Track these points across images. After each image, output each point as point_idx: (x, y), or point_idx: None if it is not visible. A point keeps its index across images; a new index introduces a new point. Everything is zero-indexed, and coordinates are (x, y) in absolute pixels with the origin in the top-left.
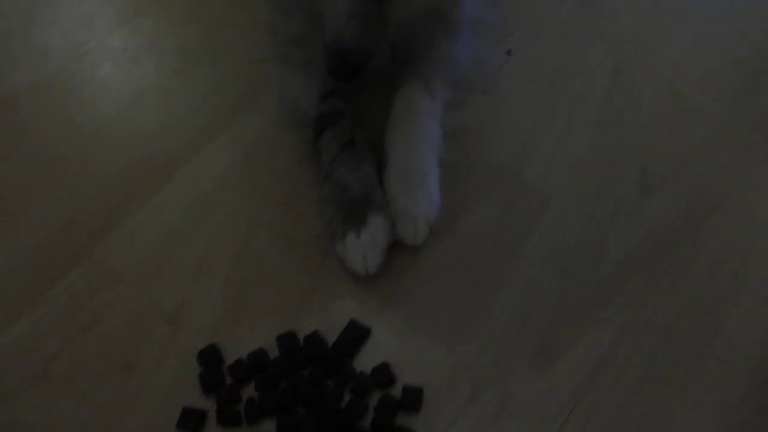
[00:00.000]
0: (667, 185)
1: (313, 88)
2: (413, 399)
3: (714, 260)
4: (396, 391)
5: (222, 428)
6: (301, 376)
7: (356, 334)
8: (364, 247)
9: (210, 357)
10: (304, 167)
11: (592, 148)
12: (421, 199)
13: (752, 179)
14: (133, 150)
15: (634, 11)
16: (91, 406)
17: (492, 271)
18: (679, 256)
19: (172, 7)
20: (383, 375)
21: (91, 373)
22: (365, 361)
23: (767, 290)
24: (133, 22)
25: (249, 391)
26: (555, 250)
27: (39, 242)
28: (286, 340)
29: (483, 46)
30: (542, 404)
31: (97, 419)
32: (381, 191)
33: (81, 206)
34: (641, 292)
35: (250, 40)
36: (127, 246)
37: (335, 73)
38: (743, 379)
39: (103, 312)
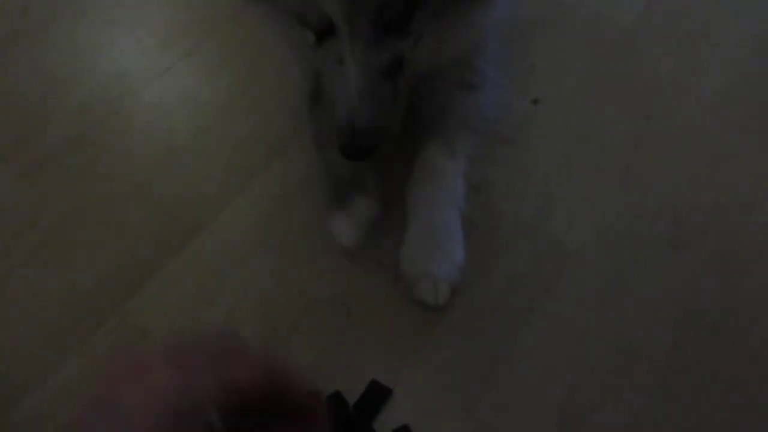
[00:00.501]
0: (700, 240)
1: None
2: None
3: (752, 320)
4: None
5: None
6: None
7: (378, 395)
8: (349, 225)
9: None
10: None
11: (619, 200)
12: (443, 260)
13: None
14: (165, 204)
15: (664, 54)
16: None
17: (515, 332)
18: (713, 318)
19: (202, 61)
20: None
21: None
22: (386, 422)
23: None
24: (165, 76)
25: None
26: (579, 308)
27: (73, 297)
28: None
29: (507, 96)
30: None
31: None
32: (369, 171)
33: (112, 262)
34: (672, 356)
35: (279, 93)
36: (157, 302)
37: (348, 155)
38: None
39: None
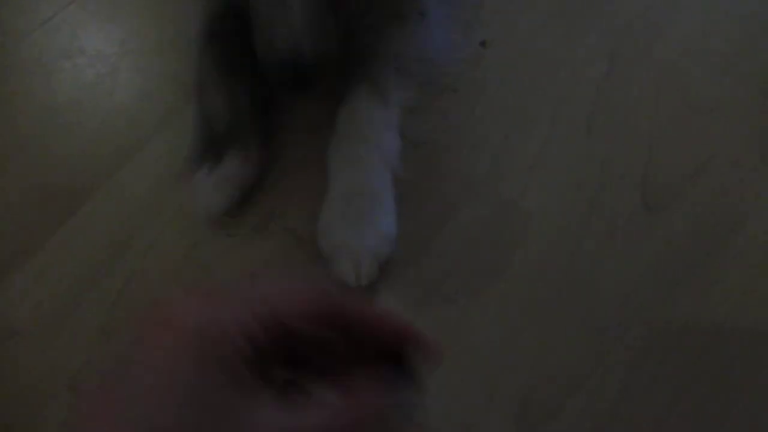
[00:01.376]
0: (677, 201)
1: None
2: None
3: (739, 290)
4: None
5: None
6: None
7: None
8: (209, 188)
9: None
10: None
11: (581, 156)
12: (367, 231)
13: None
14: (44, 172)
15: None
16: None
17: (461, 319)
18: (694, 289)
19: (90, 9)
20: None
21: None
22: None
23: None
24: (46, 26)
25: None
26: (539, 282)
27: None
28: None
29: (452, 36)
30: None
31: None
32: (253, 123)
33: None
34: (650, 334)
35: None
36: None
37: (289, 88)
38: None
39: None
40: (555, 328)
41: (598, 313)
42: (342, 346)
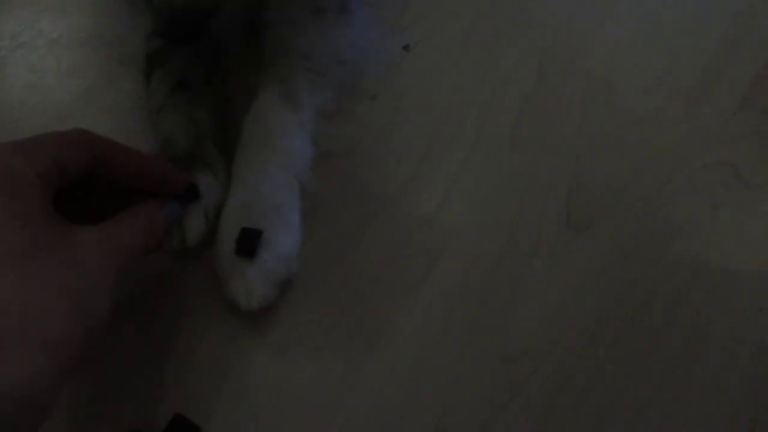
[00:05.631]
0: (601, 219)
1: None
2: None
3: (665, 313)
4: None
5: None
6: None
7: None
8: (191, 218)
9: None
10: None
11: (505, 169)
12: (263, 249)
13: (707, 210)
14: None
15: None
16: None
17: (369, 347)
18: (621, 313)
19: None
20: None
21: None
22: None
23: (731, 345)
24: None
25: None
26: (454, 306)
27: None
28: None
29: (374, 36)
30: None
31: None
32: (214, 146)
33: None
34: (568, 362)
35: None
36: None
37: (167, 36)
38: None
39: None
40: (470, 354)
41: (516, 338)
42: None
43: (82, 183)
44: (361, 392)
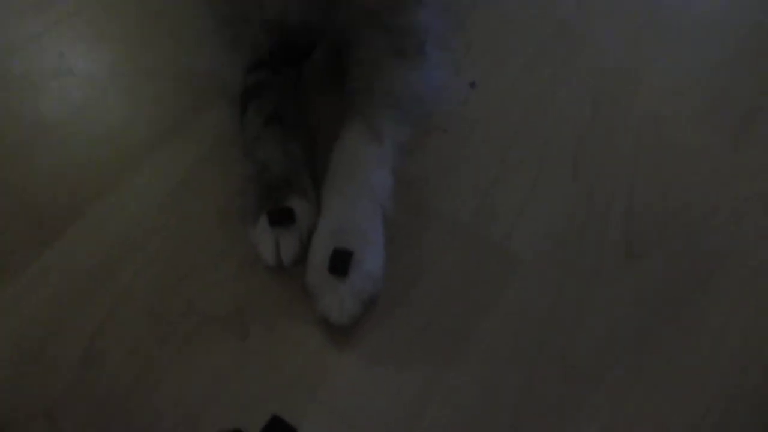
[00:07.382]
0: (657, 246)
1: (240, 60)
2: None
3: (714, 337)
4: None
5: None
6: None
7: None
8: (277, 234)
9: None
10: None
11: (566, 199)
12: (353, 269)
13: (751, 237)
14: (25, 195)
15: (614, 40)
16: None
17: (446, 360)
18: (672, 334)
19: (80, 27)
20: None
21: None
22: None
23: None
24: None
25: None
26: (522, 327)
27: None
28: None
29: (445, 76)
30: None
31: None
32: (306, 174)
33: None
34: (626, 382)
35: (175, 66)
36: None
37: (275, 56)
38: None
39: None
40: (539, 372)
41: (578, 357)
42: None
43: None
44: (441, 402)
